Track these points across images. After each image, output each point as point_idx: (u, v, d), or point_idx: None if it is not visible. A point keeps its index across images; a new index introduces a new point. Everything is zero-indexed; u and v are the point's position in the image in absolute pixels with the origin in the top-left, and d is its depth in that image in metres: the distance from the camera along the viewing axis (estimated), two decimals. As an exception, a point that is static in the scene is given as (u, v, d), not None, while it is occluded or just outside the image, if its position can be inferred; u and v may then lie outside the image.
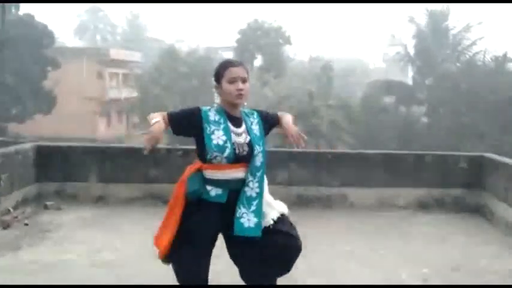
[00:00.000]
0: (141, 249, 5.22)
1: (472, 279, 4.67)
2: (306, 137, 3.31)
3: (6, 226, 5.77)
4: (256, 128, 3.18)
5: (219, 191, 3.08)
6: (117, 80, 41.62)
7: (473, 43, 33.07)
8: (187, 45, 48.93)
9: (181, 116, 3.13)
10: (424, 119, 32.11)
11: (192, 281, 3.14)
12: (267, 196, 3.24)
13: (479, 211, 7.00)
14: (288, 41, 40.49)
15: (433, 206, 7.13)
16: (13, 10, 28.95)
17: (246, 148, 3.08)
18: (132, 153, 7.39)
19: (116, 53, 40.66)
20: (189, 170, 3.14)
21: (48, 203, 6.74)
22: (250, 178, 3.10)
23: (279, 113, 3.42)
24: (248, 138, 3.10)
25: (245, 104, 3.18)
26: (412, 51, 33.98)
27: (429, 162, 7.29)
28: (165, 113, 3.10)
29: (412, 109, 32.99)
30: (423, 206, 7.13)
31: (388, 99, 33.07)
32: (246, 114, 3.21)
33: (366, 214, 6.81)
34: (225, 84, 3.07)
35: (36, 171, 6.93)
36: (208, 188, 3.08)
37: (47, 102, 30.07)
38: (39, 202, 6.78)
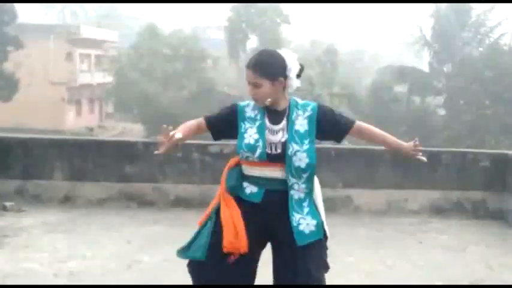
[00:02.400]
0: (113, 258, 5.21)
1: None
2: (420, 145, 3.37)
3: (-42, 230, 5.75)
4: (302, 123, 3.12)
5: (255, 189, 3.14)
6: (89, 63, 41.49)
7: (499, 24, 33.16)
8: (170, 24, 48.75)
9: (220, 119, 3.23)
10: (441, 111, 32.23)
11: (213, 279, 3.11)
12: (320, 201, 3.24)
13: (502, 217, 7.03)
14: (286, 20, 40.53)
15: (449, 210, 7.16)
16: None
17: (279, 148, 3.09)
18: (105, 147, 7.38)
19: (87, 31, 40.49)
20: (232, 162, 3.27)
21: (6, 203, 6.71)
22: (294, 180, 3.09)
23: (357, 123, 3.28)
24: (286, 136, 3.09)
25: (269, 100, 3.10)
26: (428, 33, 33.99)
27: (446, 161, 7.30)
28: (200, 119, 3.21)
29: (427, 99, 33.10)
30: (438, 211, 7.15)
31: (400, 88, 33.17)
32: (296, 106, 3.17)
33: (373, 220, 6.81)
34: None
35: (-7, 167, 6.90)
36: (245, 184, 3.17)
37: (7, 88, 29.94)
38: (-4, 203, 6.75)
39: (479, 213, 7.14)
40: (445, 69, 32.65)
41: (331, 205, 7.05)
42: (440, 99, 32.60)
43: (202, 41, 38.30)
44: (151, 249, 5.49)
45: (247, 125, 3.13)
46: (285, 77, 3.09)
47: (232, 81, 37.51)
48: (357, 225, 6.50)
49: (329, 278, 4.65)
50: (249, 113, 3.15)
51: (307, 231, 3.06)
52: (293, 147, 3.06)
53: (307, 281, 3.08)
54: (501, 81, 27.41)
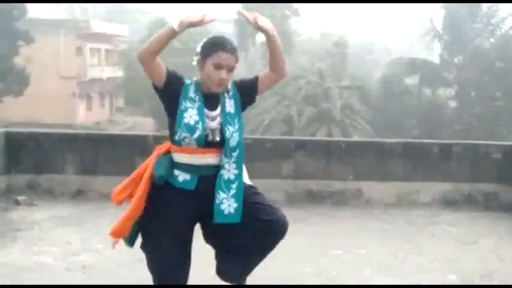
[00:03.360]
0: (125, 252, 5.22)
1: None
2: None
3: (-29, 224, 5.79)
4: (230, 104, 3.17)
5: (188, 176, 3.12)
6: (99, 57, 41.59)
7: (510, 14, 32.93)
8: (179, 17, 48.67)
9: (176, 76, 3.13)
10: (453, 103, 32.08)
11: (166, 272, 3.24)
12: (246, 179, 3.28)
13: (514, 209, 7.01)
14: (296, 13, 40.45)
15: (461, 203, 7.14)
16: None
17: (218, 134, 3.09)
18: (116, 141, 7.40)
19: (97, 26, 40.54)
20: (159, 150, 3.24)
21: (19, 198, 6.73)
22: (226, 160, 3.11)
23: (260, 74, 3.31)
24: (221, 121, 3.11)
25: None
26: (439, 25, 33.79)
27: (457, 153, 7.28)
28: (163, 66, 3.11)
29: (438, 91, 32.94)
30: (450, 203, 7.13)
31: (411, 80, 33.03)
32: (223, 92, 3.18)
33: (384, 212, 6.80)
34: (208, 66, 3.05)
35: (5, 162, 6.94)
36: (176, 172, 3.13)
37: (18, 82, 30.02)
38: (9, 197, 6.79)
39: (490, 205, 7.11)
40: (456, 60, 32.45)
41: (341, 198, 7.07)
42: (451, 91, 32.44)
43: (212, 35, 38.23)
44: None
45: (188, 104, 3.08)
46: None
47: (241, 75, 37.28)
48: (368, 218, 6.49)
49: (340, 270, 4.65)
50: (191, 93, 3.11)
51: (226, 211, 3.10)
52: (229, 129, 3.09)
53: (278, 219, 3.20)
54: (509, 74, 27.23)
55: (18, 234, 5.61)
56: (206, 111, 3.09)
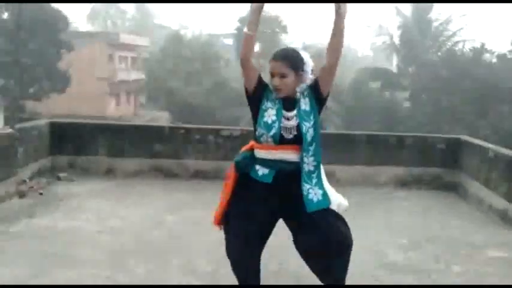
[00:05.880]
0: (144, 218, 5.25)
1: (446, 249, 4.71)
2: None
3: (22, 195, 5.78)
4: (305, 102, 2.93)
5: (266, 171, 2.92)
6: (126, 63, 41.29)
7: (454, 34, 33.01)
8: (191, 31, 48.38)
9: (262, 82, 2.96)
10: (407, 104, 32.09)
11: (239, 258, 3.04)
12: (324, 175, 3.04)
13: (454, 189, 7.04)
14: (284, 30, 40.12)
15: (412, 183, 7.17)
16: (30, -4, 28.61)
17: (294, 132, 2.87)
18: (139, 131, 7.40)
19: (125, 38, 40.21)
20: (246, 146, 3.07)
21: (61, 174, 6.74)
22: (304, 154, 2.89)
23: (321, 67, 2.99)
24: (297, 121, 2.88)
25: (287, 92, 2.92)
26: (397, 41, 33.79)
27: (410, 143, 7.30)
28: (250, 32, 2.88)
29: (395, 94, 32.95)
30: (403, 183, 7.16)
31: (374, 85, 33.01)
32: (301, 95, 2.96)
33: (351, 189, 6.78)
34: (269, 76, 2.93)
35: (50, 146, 6.92)
36: (257, 167, 2.95)
37: (61, 82, 29.82)
38: (53, 174, 6.77)
39: (435, 185, 7.14)
40: (410, 70, 32.39)
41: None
42: (406, 94, 32.41)
43: (216, 46, 38.05)
44: (174, 211, 5.51)
45: (269, 105, 2.91)
46: (303, 71, 2.91)
47: (240, 79, 37.30)
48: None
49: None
50: (273, 96, 2.92)
51: (315, 199, 2.90)
52: (305, 125, 2.88)
53: (332, 232, 2.92)
54: (455, 80, 27.28)
55: (60, 204, 5.62)
56: (284, 112, 2.89)
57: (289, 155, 2.91)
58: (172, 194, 6.22)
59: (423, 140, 7.43)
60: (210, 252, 4.26)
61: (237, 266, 3.08)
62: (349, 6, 2.86)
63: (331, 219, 2.94)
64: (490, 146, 6.47)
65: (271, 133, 2.86)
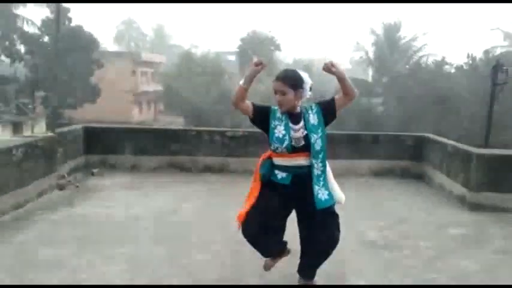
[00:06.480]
0: (162, 206, 5.25)
1: (415, 228, 4.71)
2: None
3: (62, 188, 5.78)
4: (314, 118, 2.96)
5: (284, 174, 2.96)
6: (146, 77, 41.20)
7: (419, 49, 33.03)
8: (200, 50, 48.28)
9: (260, 109, 2.98)
10: (381, 108, 32.04)
11: (255, 231, 2.99)
12: (331, 175, 3.11)
13: (421, 178, 7.04)
14: (278, 47, 40.13)
15: (385, 173, 7.17)
16: (66, 22, 28.56)
17: (302, 141, 2.90)
18: (158, 133, 7.39)
19: (146, 56, 40.21)
20: (263, 157, 3.07)
21: (94, 170, 6.74)
22: (314, 161, 2.94)
23: (335, 97, 3.03)
24: (305, 132, 2.91)
25: (301, 106, 2.97)
26: (372, 56, 33.83)
27: (383, 141, 7.30)
28: (249, 102, 2.96)
29: (371, 100, 32.92)
30: (378, 174, 7.16)
31: (353, 93, 32.99)
32: (306, 109, 2.98)
33: (335, 180, 6.81)
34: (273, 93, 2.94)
35: (84, 146, 6.92)
36: (276, 172, 2.98)
37: (92, 94, 29.82)
38: (87, 170, 6.78)
39: (405, 175, 7.14)
40: (383, 80, 32.39)
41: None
42: (380, 100, 32.39)
43: (221, 62, 37.99)
44: (188, 200, 5.52)
45: (277, 123, 2.92)
46: (302, 88, 2.92)
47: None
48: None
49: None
50: (278, 114, 2.95)
51: (323, 198, 2.96)
52: (313, 137, 2.91)
53: (329, 238, 3.03)
54: (420, 88, 27.30)
55: (93, 195, 5.62)
56: (291, 125, 2.92)
57: (301, 161, 2.94)
58: (186, 185, 6.22)
59: (394, 138, 7.42)
60: (219, 232, 4.27)
61: (252, 233, 3.01)
62: (339, 65, 2.92)
63: (329, 220, 3.03)
64: (450, 142, 6.47)
65: (284, 145, 2.89)
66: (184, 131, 7.35)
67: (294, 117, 2.94)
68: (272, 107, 3.02)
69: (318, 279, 3.23)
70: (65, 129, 6.75)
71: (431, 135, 7.28)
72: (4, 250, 3.79)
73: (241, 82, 2.91)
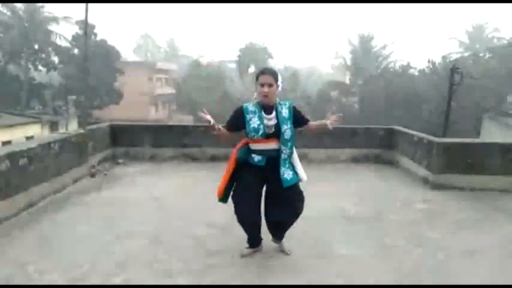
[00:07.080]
0: (176, 189, 5.24)
1: (386, 204, 4.72)
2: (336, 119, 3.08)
3: (93, 175, 5.77)
4: (285, 112, 2.98)
5: (259, 157, 3.00)
6: (161, 82, 40.98)
7: (387, 56, 33.00)
8: (206, 59, 48.01)
9: (232, 120, 3.01)
10: (357, 106, 32.06)
11: (246, 215, 3.06)
12: (296, 159, 3.13)
13: (390, 163, 7.05)
14: (271, 56, 39.92)
15: (362, 160, 7.17)
16: (93, 37, 28.34)
17: (273, 129, 2.93)
18: (172, 129, 7.35)
19: (160, 65, 39.86)
20: (241, 143, 3.09)
21: (119, 160, 6.72)
22: (283, 147, 2.97)
23: (310, 123, 3.10)
24: (276, 121, 2.94)
25: (277, 99, 2.99)
26: (349, 62, 33.77)
27: (360, 132, 7.29)
28: (222, 125, 2.98)
29: (349, 99, 32.92)
30: (356, 160, 7.16)
31: (334, 93, 32.95)
32: (280, 103, 3.00)
33: (320, 166, 6.84)
34: (258, 86, 2.94)
35: (110, 141, 6.88)
36: (253, 155, 3.02)
37: (116, 97, 29.72)
38: (113, 160, 6.75)
39: (377, 161, 7.15)
40: (358, 82, 32.36)
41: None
42: (356, 99, 32.36)
43: (223, 69, 37.82)
44: (198, 184, 5.51)
45: (251, 115, 2.94)
46: (280, 83, 2.97)
47: (239, 92, 37.11)
48: (310, 169, 6.48)
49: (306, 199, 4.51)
50: (251, 108, 2.97)
51: (288, 178, 2.99)
52: (283, 127, 2.94)
53: (293, 211, 3.10)
54: (389, 89, 27.29)
55: (120, 181, 5.61)
56: (264, 115, 2.94)
57: (273, 145, 2.98)
58: (196, 172, 6.22)
59: (368, 130, 7.42)
60: (223, 211, 4.27)
61: (244, 218, 3.10)
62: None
63: (293, 196, 3.06)
64: (414, 133, 6.47)
65: (260, 133, 2.92)
66: (194, 127, 7.32)
67: (267, 108, 2.96)
68: (244, 105, 3.02)
69: (309, 244, 3.23)
70: (94, 126, 6.72)
71: (398, 127, 7.28)
72: (48, 227, 3.79)
73: (220, 126, 2.95)
